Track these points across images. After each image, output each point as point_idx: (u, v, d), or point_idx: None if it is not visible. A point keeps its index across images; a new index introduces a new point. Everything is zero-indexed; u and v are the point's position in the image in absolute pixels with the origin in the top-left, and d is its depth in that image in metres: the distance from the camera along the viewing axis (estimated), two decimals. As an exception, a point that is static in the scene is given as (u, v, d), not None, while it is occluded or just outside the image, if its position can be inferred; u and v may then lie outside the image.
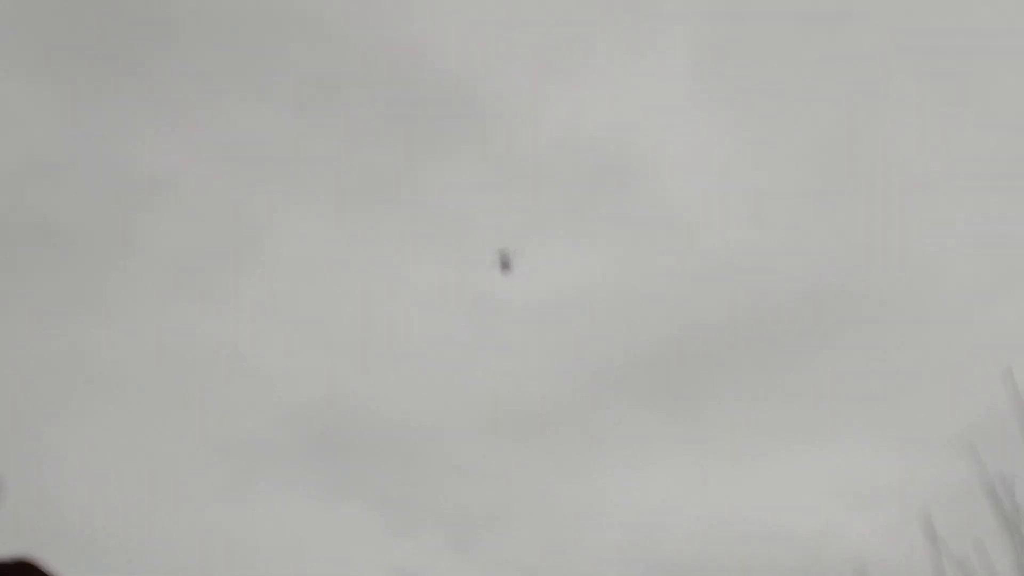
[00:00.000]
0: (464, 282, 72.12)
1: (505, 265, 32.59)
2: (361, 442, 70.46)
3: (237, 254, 68.75)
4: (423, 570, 69.94)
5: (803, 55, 69.78)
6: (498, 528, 70.81)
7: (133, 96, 63.49)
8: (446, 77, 70.60)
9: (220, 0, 69.98)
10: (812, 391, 69.87)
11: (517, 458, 72.61)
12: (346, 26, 72.19)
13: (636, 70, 71.96)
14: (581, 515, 71.33)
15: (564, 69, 72.85)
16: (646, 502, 70.79)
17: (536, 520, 73.41)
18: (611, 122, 73.45)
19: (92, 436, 61.34)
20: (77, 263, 61.33)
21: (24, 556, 15.41)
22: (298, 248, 69.35)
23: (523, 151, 72.91)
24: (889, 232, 71.24)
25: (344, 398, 70.53)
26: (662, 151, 73.94)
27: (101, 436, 61.72)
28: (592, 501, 72.63)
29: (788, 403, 71.69)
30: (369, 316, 71.97)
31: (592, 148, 73.16)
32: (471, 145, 73.04)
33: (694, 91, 73.55)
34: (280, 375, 69.19)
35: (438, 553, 71.97)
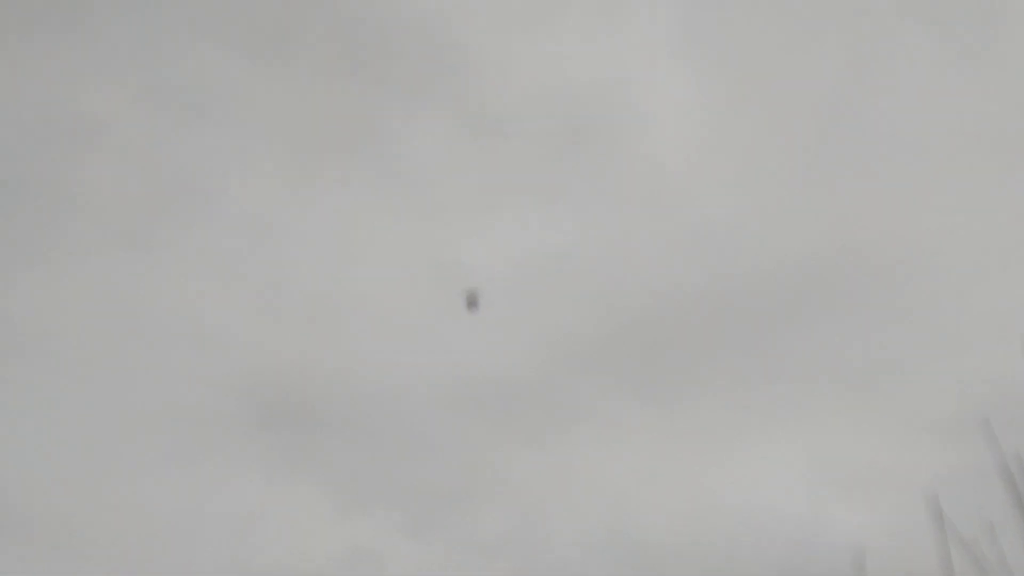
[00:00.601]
0: (426, 247, 70.03)
1: (472, 303, 34.94)
2: (315, 414, 68.39)
3: (183, 206, 66.19)
4: (379, 550, 68.39)
5: (800, 6, 67.57)
6: (460, 507, 68.88)
7: (68, 33, 60.82)
8: (412, 21, 68.15)
9: (169, -67, 67.29)
10: (803, 366, 68.08)
11: (482, 434, 70.61)
12: (306, -35, 69.64)
13: (618, 19, 69.56)
14: (550, 494, 69.38)
15: (541, 16, 70.44)
16: (620, 482, 68.83)
17: (501, 499, 71.49)
18: (590, 75, 71.04)
19: (19, 402, 59.01)
20: (3, 213, 58.78)
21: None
22: (251, 201, 66.82)
23: (494, 104, 70.59)
24: (889, 197, 69.47)
25: (297, 368, 68.35)
26: (644, 108, 71.60)
27: (29, 403, 59.34)
28: (562, 480, 70.63)
29: (776, 380, 69.66)
30: (326, 280, 69.74)
31: (569, 103, 70.84)
32: (438, 96, 70.64)
33: (680, 44, 71.19)
34: (228, 340, 66.87)
35: (396, 532, 70.36)
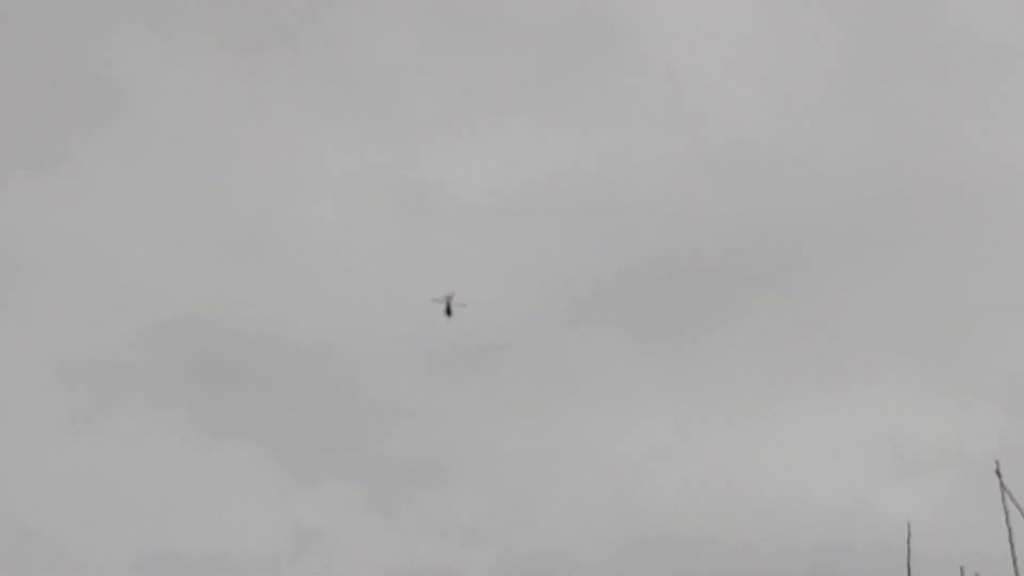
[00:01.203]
0: (392, 168, 62.07)
1: (449, 310, 35.94)
2: (253, 371, 61.17)
3: (89, 116, 58.57)
4: (331, 529, 62.00)
5: None
6: (432, 484, 62.55)
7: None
8: None
9: None
10: (848, 320, 60.30)
11: (459, 398, 64.13)
12: None
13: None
14: (540, 471, 63.04)
15: None
16: (625, 458, 62.40)
17: (483, 476, 65.34)
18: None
19: None
20: None
21: None
22: (172, 113, 59.27)
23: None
24: (950, 119, 60.01)
25: (231, 314, 61.04)
26: (661, 6, 62.86)
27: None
28: (554, 454, 64.47)
29: (814, 336, 62.60)
30: (265, 208, 61.63)
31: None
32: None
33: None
34: (145, 280, 59.55)
35: (352, 510, 64.23)
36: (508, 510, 62.19)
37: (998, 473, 6.23)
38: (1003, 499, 6.14)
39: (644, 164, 62.44)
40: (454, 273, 62.74)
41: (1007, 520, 6.11)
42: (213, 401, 62.42)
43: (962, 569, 6.53)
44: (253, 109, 61.44)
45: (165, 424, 59.11)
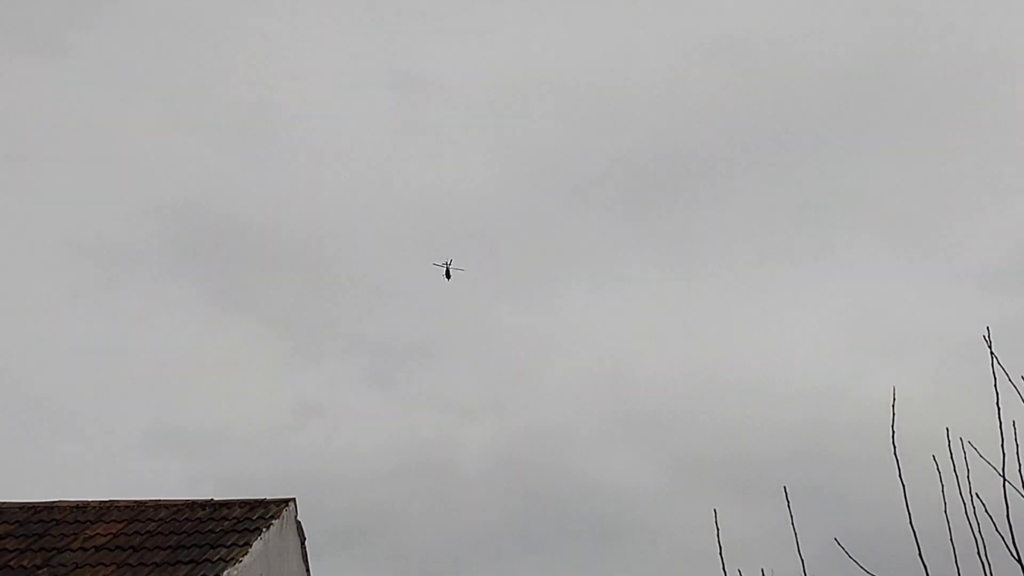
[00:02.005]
0: (387, 51, 61.71)
1: (448, 274, 36.73)
2: (253, 251, 61.57)
3: (90, 1, 57.81)
4: (331, 404, 63.04)
5: None
6: (430, 362, 63.49)
7: None
8: None
9: None
10: (837, 204, 60.57)
11: (456, 278, 64.19)
12: None
13: None
14: (535, 349, 64.18)
15: None
16: (617, 337, 63.52)
17: (479, 354, 66.30)
18: None
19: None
20: None
21: None
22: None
23: None
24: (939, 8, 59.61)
25: (230, 196, 61.21)
26: None
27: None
28: (549, 333, 65.48)
29: (805, 220, 63.19)
30: (263, 93, 61.33)
31: None
32: None
33: None
34: (146, 163, 59.48)
35: (355, 386, 65.16)
36: (503, 387, 63.25)
37: (987, 340, 6.79)
38: (992, 364, 6.70)
39: (637, 47, 62.16)
40: (448, 159, 62.89)
41: (995, 385, 6.71)
42: (215, 280, 62.98)
43: (948, 431, 6.66)
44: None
45: (168, 302, 59.71)
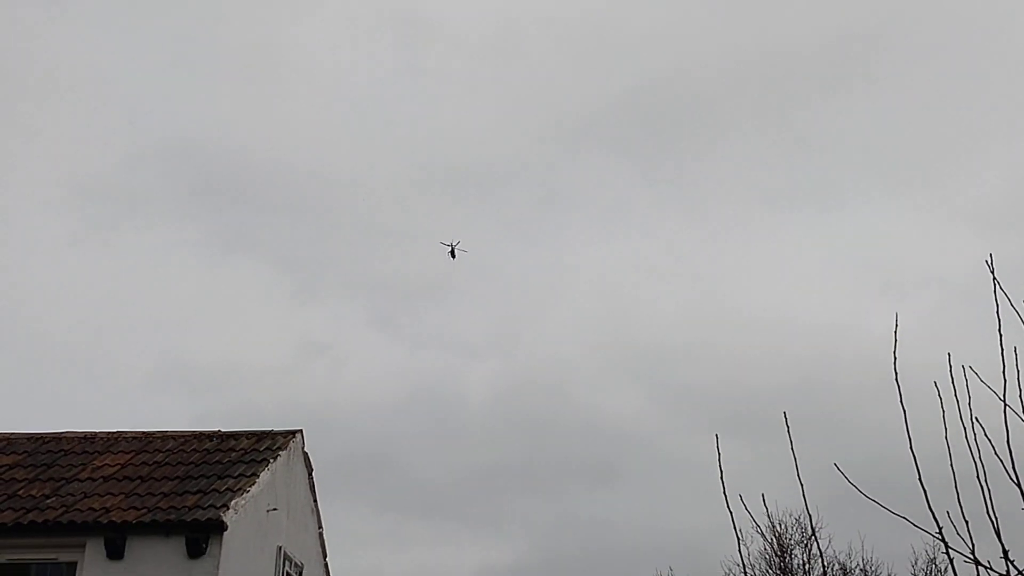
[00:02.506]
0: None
1: (453, 254, 37.74)
2: (257, 192, 61.43)
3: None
4: (336, 342, 63.22)
5: None
6: (436, 301, 63.40)
7: None
8: None
9: None
10: (835, 144, 60.11)
11: (460, 220, 64.40)
12: None
13: None
14: (540, 288, 64.04)
15: None
16: (621, 274, 63.15)
17: (484, 293, 66.25)
18: None
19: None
20: None
21: None
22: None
23: None
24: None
25: (234, 137, 60.90)
26: None
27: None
28: (554, 271, 65.28)
29: (803, 159, 62.66)
30: (267, 34, 60.81)
31: None
32: None
33: None
34: (148, 103, 59.16)
35: (359, 325, 65.31)
36: (507, 325, 63.31)
37: (990, 266, 6.70)
38: (994, 290, 6.63)
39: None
40: (450, 100, 62.46)
41: (997, 312, 6.65)
42: (219, 221, 62.87)
43: (949, 355, 6.62)
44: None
45: (173, 242, 59.63)
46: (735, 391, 49.71)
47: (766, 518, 29.83)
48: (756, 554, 33.13)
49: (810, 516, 6.56)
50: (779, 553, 32.84)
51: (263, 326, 61.35)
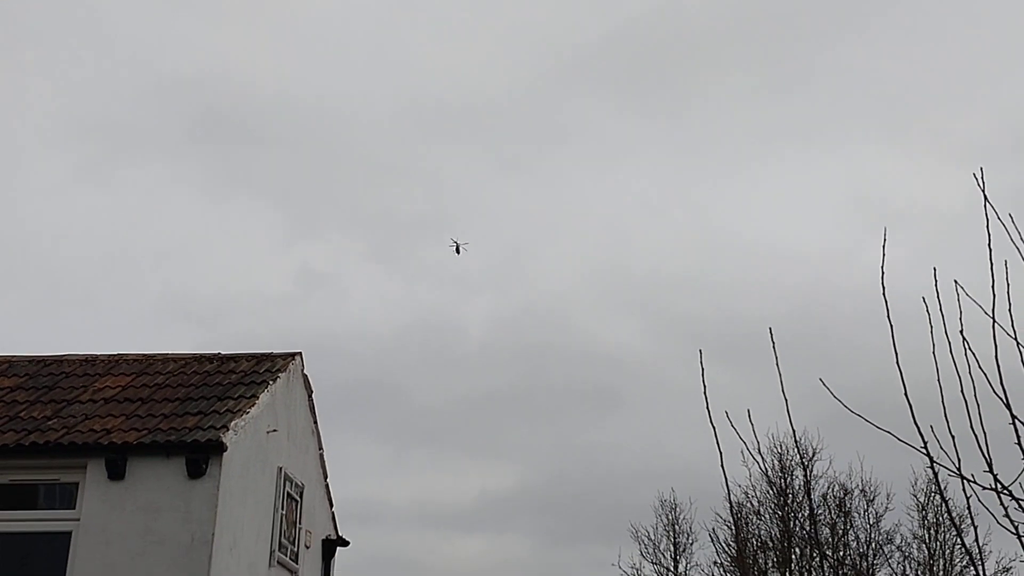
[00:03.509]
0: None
1: (457, 250, 38.00)
2: (256, 127, 61.15)
3: None
4: (335, 275, 63.40)
5: None
6: (434, 236, 63.42)
7: None
8: None
9: None
10: (830, 82, 59.60)
11: (457, 157, 64.31)
12: None
13: None
14: (539, 223, 63.95)
15: None
16: (619, 209, 63.03)
17: (483, 229, 66.30)
18: None
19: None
20: None
21: None
22: None
23: None
24: None
25: (230, 73, 60.37)
26: None
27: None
28: (552, 207, 65.19)
29: (798, 96, 62.06)
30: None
31: None
32: None
33: None
34: (146, 40, 58.52)
35: (357, 259, 65.47)
36: (504, 260, 63.44)
37: (979, 180, 6.59)
38: (984, 206, 6.52)
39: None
40: (446, 36, 61.86)
41: (987, 226, 6.55)
42: (218, 156, 62.80)
43: (935, 269, 6.52)
44: None
45: (173, 177, 59.61)
46: (731, 320, 49.83)
47: (756, 438, 29.99)
48: (757, 475, 33.41)
49: (793, 431, 6.53)
50: (780, 473, 33.11)
51: (263, 258, 61.65)
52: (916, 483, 33.09)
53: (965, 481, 6.03)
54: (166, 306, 56.54)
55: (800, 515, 31.98)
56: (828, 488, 33.27)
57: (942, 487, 6.79)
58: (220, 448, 13.33)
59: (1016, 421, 6.33)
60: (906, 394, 6.30)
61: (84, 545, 13.11)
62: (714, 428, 6.24)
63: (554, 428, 54.58)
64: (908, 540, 32.58)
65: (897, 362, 6.43)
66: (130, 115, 59.94)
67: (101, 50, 60.75)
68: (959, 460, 6.26)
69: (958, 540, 30.65)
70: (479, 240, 62.01)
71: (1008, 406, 6.30)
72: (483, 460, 57.32)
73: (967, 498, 6.22)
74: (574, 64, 61.12)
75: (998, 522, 6.03)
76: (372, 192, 64.24)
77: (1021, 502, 5.93)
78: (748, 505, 33.31)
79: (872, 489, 33.34)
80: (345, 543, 17.84)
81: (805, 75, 60.20)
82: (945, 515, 31.21)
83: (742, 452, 6.96)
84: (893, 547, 32.56)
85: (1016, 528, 6.11)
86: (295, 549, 15.78)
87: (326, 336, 55.12)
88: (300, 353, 16.54)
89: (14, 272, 57.06)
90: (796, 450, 31.85)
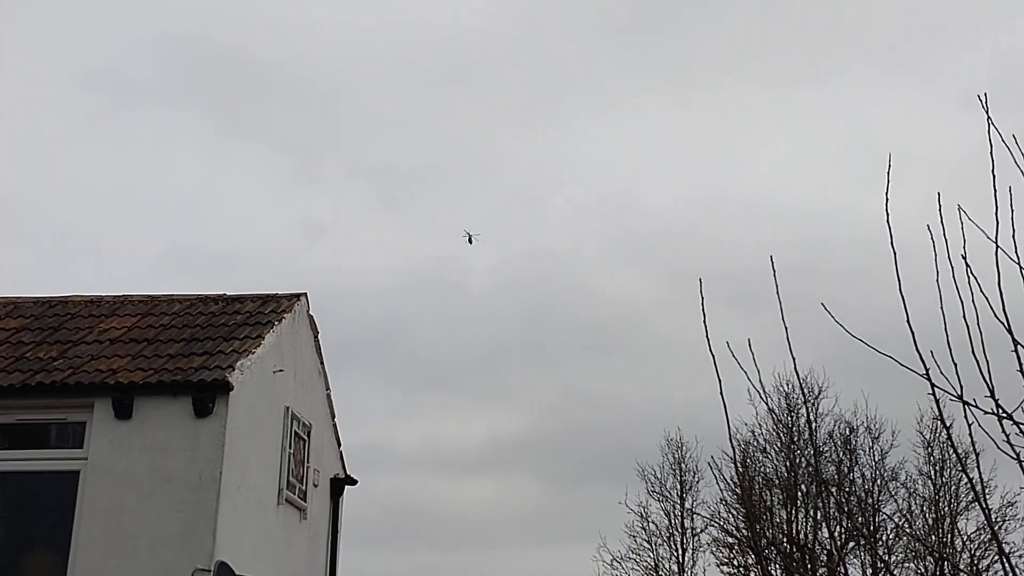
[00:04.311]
0: None
1: (470, 240, 40.66)
2: (259, 80, 60.80)
3: None
4: (338, 225, 63.51)
5: None
6: (436, 186, 63.46)
7: None
8: None
9: None
10: (829, 29, 58.96)
11: (463, 108, 64.07)
12: None
13: None
14: (539, 173, 63.83)
15: None
16: (619, 160, 62.91)
17: (484, 179, 66.37)
18: None
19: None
20: None
21: None
22: None
23: None
24: None
25: (233, 24, 60.08)
26: None
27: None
28: (552, 157, 64.96)
29: (798, 46, 61.54)
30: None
31: None
32: None
33: None
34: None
35: (359, 208, 65.50)
36: (508, 211, 63.40)
37: (983, 102, 6.51)
38: (987, 130, 6.44)
39: None
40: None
41: (991, 152, 6.48)
42: (220, 109, 62.64)
43: (939, 195, 6.48)
44: None
45: (175, 131, 59.52)
46: (732, 271, 49.77)
47: (758, 368, 29.98)
48: (763, 414, 33.48)
49: (794, 360, 6.48)
50: (787, 410, 33.16)
51: (266, 210, 61.71)
52: (922, 420, 33.17)
53: (966, 406, 6.01)
54: (170, 257, 56.71)
55: (806, 453, 32.10)
56: (834, 426, 33.38)
57: (944, 415, 6.77)
58: (226, 388, 13.34)
59: (1018, 348, 6.29)
60: (908, 321, 6.26)
61: (92, 484, 13.19)
62: (713, 356, 6.21)
63: (559, 374, 54.83)
64: (913, 477, 32.71)
65: (900, 290, 6.39)
66: (131, 66, 59.81)
67: (103, 4, 60.45)
68: (961, 387, 6.23)
69: (963, 474, 30.79)
70: (483, 190, 62.04)
71: (1010, 331, 6.25)
72: (490, 405, 57.65)
73: (969, 425, 6.20)
74: (574, 17, 60.70)
75: (998, 447, 6.01)
76: (375, 143, 64.19)
77: (1022, 426, 5.91)
78: (754, 443, 33.46)
79: (877, 427, 33.45)
80: (353, 482, 17.91)
81: (799, 24, 59.87)
82: (947, 441, 31.27)
83: (748, 391, 6.93)
84: (898, 483, 32.71)
85: (1017, 454, 6.09)
86: (303, 488, 15.85)
87: (331, 286, 55.27)
88: (305, 294, 16.51)
89: (21, 224, 57.24)
90: (799, 384, 31.80)
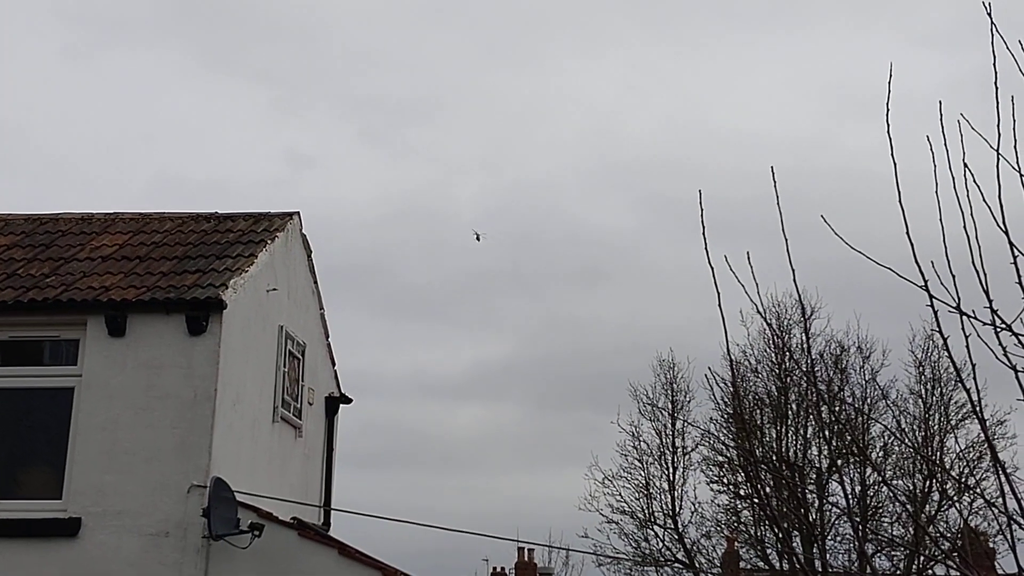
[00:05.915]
0: None
1: (478, 238, 39.24)
2: (237, 11, 60.10)
3: None
4: (324, 156, 63.25)
5: None
6: (423, 121, 63.20)
7: None
8: None
9: None
10: None
11: (442, 44, 63.50)
12: None
13: None
14: (525, 108, 63.68)
15: None
16: (602, 94, 62.66)
17: (471, 114, 66.11)
18: None
19: None
20: None
21: None
22: None
23: None
24: None
25: None
26: None
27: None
28: (537, 92, 64.75)
29: None
30: None
31: None
32: None
33: None
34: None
35: (344, 141, 65.20)
36: (492, 144, 63.18)
37: (987, 8, 6.38)
38: (991, 40, 6.33)
39: None
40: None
41: (993, 64, 6.38)
42: (204, 43, 61.96)
43: (940, 103, 6.37)
44: None
45: (157, 61, 59.01)
46: (716, 201, 49.65)
47: (755, 279, 30.04)
48: (755, 335, 33.62)
49: (793, 270, 6.43)
50: (779, 331, 33.27)
51: (251, 142, 61.52)
52: (914, 339, 33.33)
53: (964, 317, 5.97)
54: (155, 190, 56.66)
55: (797, 373, 32.25)
56: (825, 346, 33.53)
57: (941, 328, 6.73)
58: (220, 306, 13.28)
59: (1017, 260, 6.25)
60: (908, 232, 6.20)
61: (87, 400, 13.19)
62: (712, 267, 6.16)
63: (544, 304, 55.20)
64: (904, 396, 32.94)
65: (900, 200, 6.32)
66: (113, 4, 59.22)
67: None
68: (959, 298, 6.19)
69: (956, 387, 30.96)
70: (467, 122, 61.73)
71: (1009, 240, 6.20)
72: (475, 334, 58.09)
73: (966, 337, 6.17)
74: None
75: (997, 358, 5.99)
76: (359, 76, 63.75)
77: (1021, 337, 5.88)
78: (746, 364, 33.62)
79: (868, 347, 33.62)
80: (348, 400, 17.95)
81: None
82: (943, 348, 31.43)
83: (740, 311, 6.88)
84: (888, 403, 32.94)
85: (1014, 365, 6.07)
86: (298, 406, 15.88)
87: (316, 217, 55.16)
88: (298, 212, 16.39)
89: (8, 153, 56.94)
90: (798, 294, 31.79)
